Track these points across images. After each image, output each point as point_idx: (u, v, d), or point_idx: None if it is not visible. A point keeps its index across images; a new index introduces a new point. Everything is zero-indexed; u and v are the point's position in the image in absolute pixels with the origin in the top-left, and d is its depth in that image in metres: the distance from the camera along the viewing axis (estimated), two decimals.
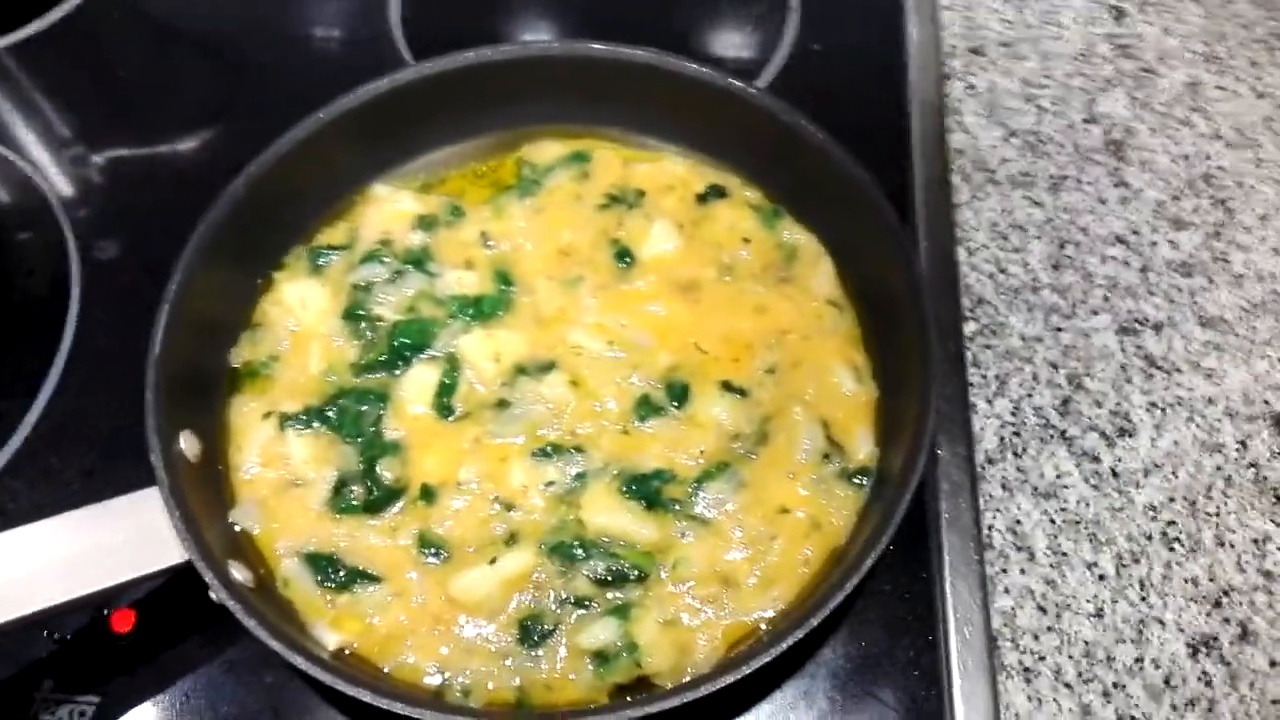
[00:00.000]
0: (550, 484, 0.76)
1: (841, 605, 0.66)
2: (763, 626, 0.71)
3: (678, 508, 0.75)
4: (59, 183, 0.99)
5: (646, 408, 0.79)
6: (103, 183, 0.99)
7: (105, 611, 0.76)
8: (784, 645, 0.65)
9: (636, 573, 0.73)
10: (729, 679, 0.64)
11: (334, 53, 1.11)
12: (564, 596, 0.72)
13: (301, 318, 0.84)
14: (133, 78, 1.10)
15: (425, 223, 0.88)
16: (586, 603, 0.72)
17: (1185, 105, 1.10)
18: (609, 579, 0.73)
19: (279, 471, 0.77)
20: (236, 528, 0.74)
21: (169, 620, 0.76)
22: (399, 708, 0.63)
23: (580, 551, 0.73)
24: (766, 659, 0.64)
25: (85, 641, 0.76)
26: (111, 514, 0.69)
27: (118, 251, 0.92)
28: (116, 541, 0.68)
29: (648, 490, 0.76)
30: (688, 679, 0.69)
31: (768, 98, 0.87)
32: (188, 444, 0.73)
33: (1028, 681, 0.75)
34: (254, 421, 0.79)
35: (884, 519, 0.69)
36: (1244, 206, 1.02)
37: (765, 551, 0.74)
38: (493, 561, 0.73)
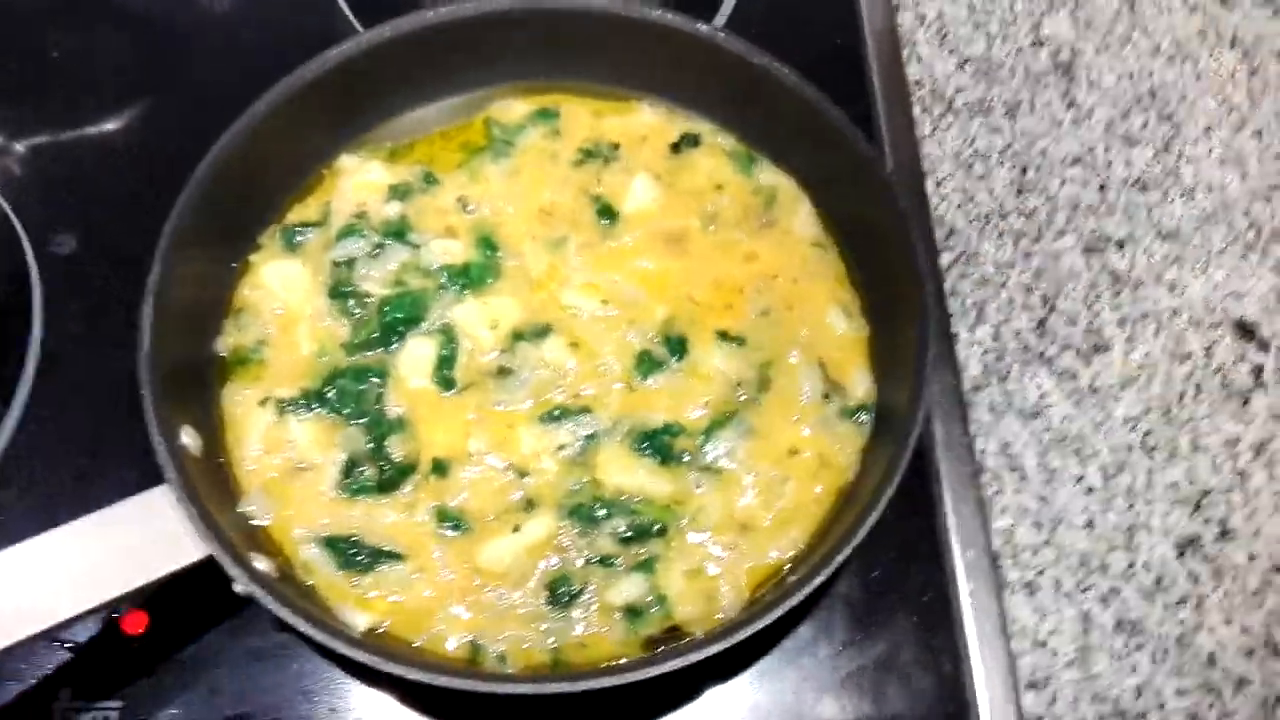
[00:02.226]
0: (562, 447, 0.76)
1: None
2: (786, 567, 0.73)
3: (689, 459, 0.76)
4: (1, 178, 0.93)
5: (647, 363, 0.80)
6: (38, 172, 0.94)
7: (115, 615, 0.74)
8: (810, 587, 0.67)
9: (657, 526, 0.74)
10: (760, 624, 0.66)
11: (272, 17, 1.06)
12: (589, 556, 0.73)
13: (285, 299, 0.82)
14: (42, 53, 1.02)
15: (399, 192, 0.86)
16: (611, 560, 0.73)
17: (1125, 22, 1.13)
18: (631, 535, 0.74)
19: (284, 458, 0.76)
20: (249, 520, 0.73)
21: (182, 617, 0.75)
22: (440, 680, 0.64)
23: (600, 511, 0.74)
24: (794, 602, 0.66)
25: (99, 647, 0.74)
26: (120, 519, 0.67)
27: (75, 244, 0.88)
28: (129, 546, 0.67)
29: (659, 445, 0.77)
30: (717, 625, 0.71)
31: (736, 40, 0.86)
32: (188, 438, 0.72)
33: (1030, 595, 0.79)
34: (251, 410, 0.77)
35: (895, 455, 0.70)
36: (1188, 119, 1.05)
37: (778, 494, 0.76)
38: (516, 529, 0.73)
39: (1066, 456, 0.84)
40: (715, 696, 0.74)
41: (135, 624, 0.74)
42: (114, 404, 0.81)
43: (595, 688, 0.64)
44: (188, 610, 0.75)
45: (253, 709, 0.72)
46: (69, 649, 0.74)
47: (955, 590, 0.78)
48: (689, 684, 0.74)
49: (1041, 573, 0.80)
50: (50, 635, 0.73)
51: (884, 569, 0.78)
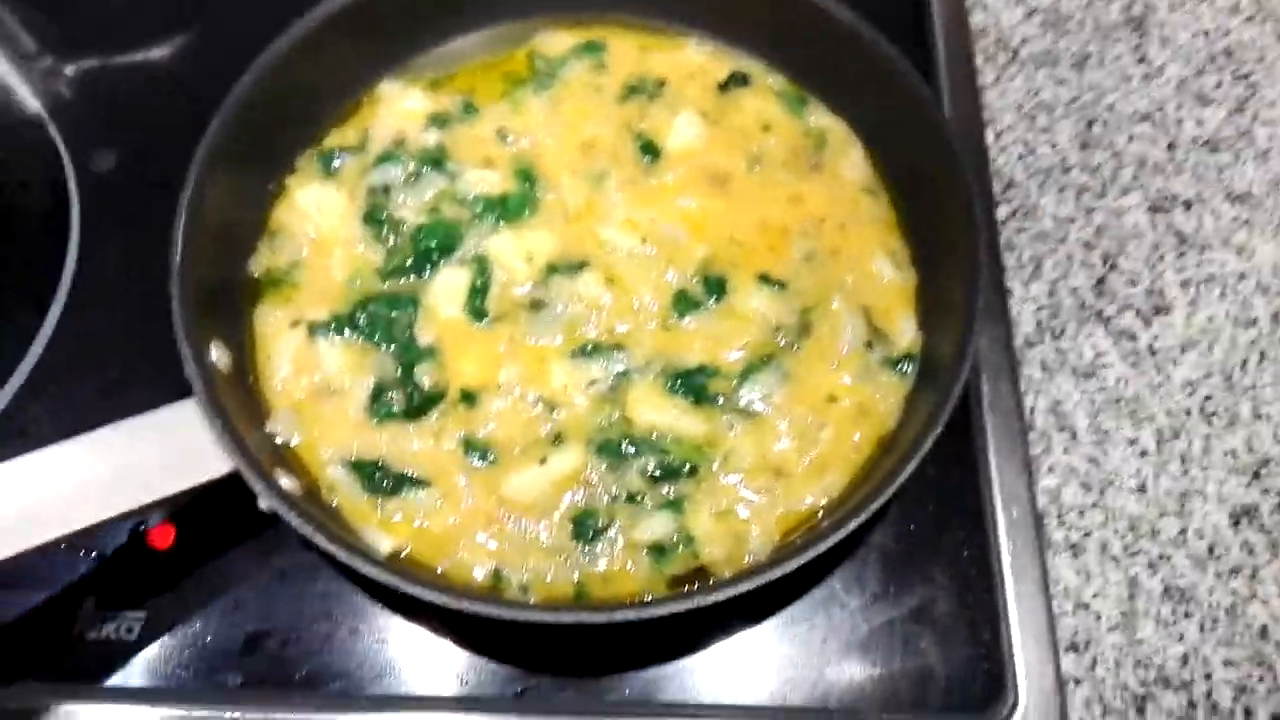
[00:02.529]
0: (593, 383, 0.75)
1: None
2: (819, 514, 0.71)
3: (723, 402, 0.74)
4: (39, 97, 0.93)
5: (685, 303, 0.78)
6: (84, 95, 0.94)
7: (143, 528, 0.74)
8: (844, 532, 0.64)
9: (687, 467, 0.72)
10: (790, 566, 0.64)
11: None
12: (616, 493, 0.71)
13: (319, 223, 0.81)
14: None
15: (438, 120, 0.85)
16: (639, 498, 0.71)
17: None
18: (660, 474, 0.72)
19: (313, 380, 0.75)
20: (276, 439, 0.72)
21: (210, 534, 0.75)
22: (462, 604, 0.63)
23: (629, 448, 0.72)
24: (825, 546, 0.64)
25: (125, 559, 0.74)
26: (147, 428, 0.67)
27: (114, 162, 0.88)
28: (154, 456, 0.66)
29: (693, 385, 0.75)
30: (745, 567, 0.69)
31: None
32: (218, 354, 0.71)
33: (1075, 557, 0.76)
34: (282, 331, 0.76)
35: (938, 404, 0.68)
36: (1266, 80, 1.00)
37: (814, 440, 0.73)
38: (543, 461, 0.71)
39: (1120, 418, 0.81)
40: (741, 641, 0.72)
41: (162, 538, 0.74)
42: (146, 320, 0.81)
43: (616, 621, 0.62)
44: (214, 527, 0.75)
45: (274, 626, 0.72)
46: (95, 559, 0.74)
47: (995, 548, 0.75)
48: (715, 627, 0.72)
49: (1088, 534, 0.76)
50: (76, 544, 0.74)
51: (922, 523, 0.76)
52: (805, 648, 0.72)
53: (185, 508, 0.75)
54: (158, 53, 0.99)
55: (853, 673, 0.71)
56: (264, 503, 0.65)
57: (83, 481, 0.65)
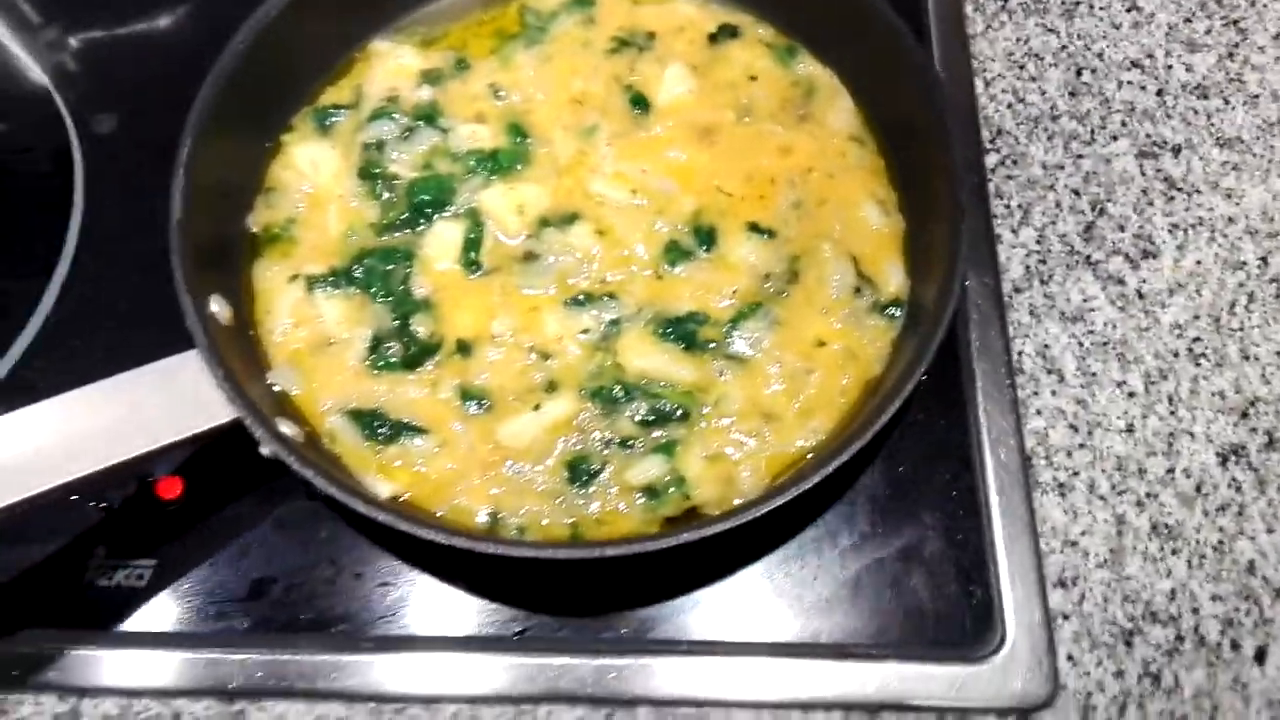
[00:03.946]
0: (585, 332, 0.76)
1: (879, 434, 0.66)
2: (809, 456, 0.72)
3: (714, 348, 0.76)
4: (41, 66, 0.94)
5: (675, 252, 0.79)
6: (87, 63, 0.96)
7: (151, 479, 0.76)
8: (828, 470, 0.66)
9: (679, 411, 0.73)
10: (776, 503, 0.65)
11: None
12: (609, 437, 0.73)
13: (315, 180, 0.82)
14: None
15: (431, 77, 0.86)
16: (631, 442, 0.73)
17: None
18: (652, 419, 0.73)
19: (311, 332, 0.76)
20: (276, 388, 0.74)
21: (216, 484, 0.77)
22: (460, 542, 0.64)
23: (621, 394, 0.74)
24: (810, 484, 0.65)
25: (134, 510, 0.76)
26: (149, 378, 0.68)
27: (116, 125, 0.89)
28: (158, 405, 0.68)
29: (683, 332, 0.76)
30: (734, 507, 0.70)
31: None
32: (218, 307, 0.72)
33: (1063, 496, 0.77)
34: (280, 285, 0.78)
35: (921, 347, 0.69)
36: (1256, 26, 1.00)
37: (803, 385, 0.75)
38: (537, 408, 0.73)
39: (1108, 361, 0.81)
40: (736, 582, 0.74)
41: (170, 489, 0.76)
42: (151, 278, 0.82)
43: (607, 556, 0.64)
44: (221, 477, 0.77)
45: (279, 572, 0.74)
46: (104, 510, 0.76)
47: (984, 488, 0.76)
48: (710, 567, 0.74)
49: (1075, 474, 0.77)
50: (85, 496, 0.76)
51: (911, 466, 0.77)
52: (798, 586, 0.73)
53: (192, 460, 0.77)
54: (161, 21, 1.00)
55: (843, 610, 0.73)
56: (266, 449, 0.67)
57: (86, 430, 0.66)
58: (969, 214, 0.74)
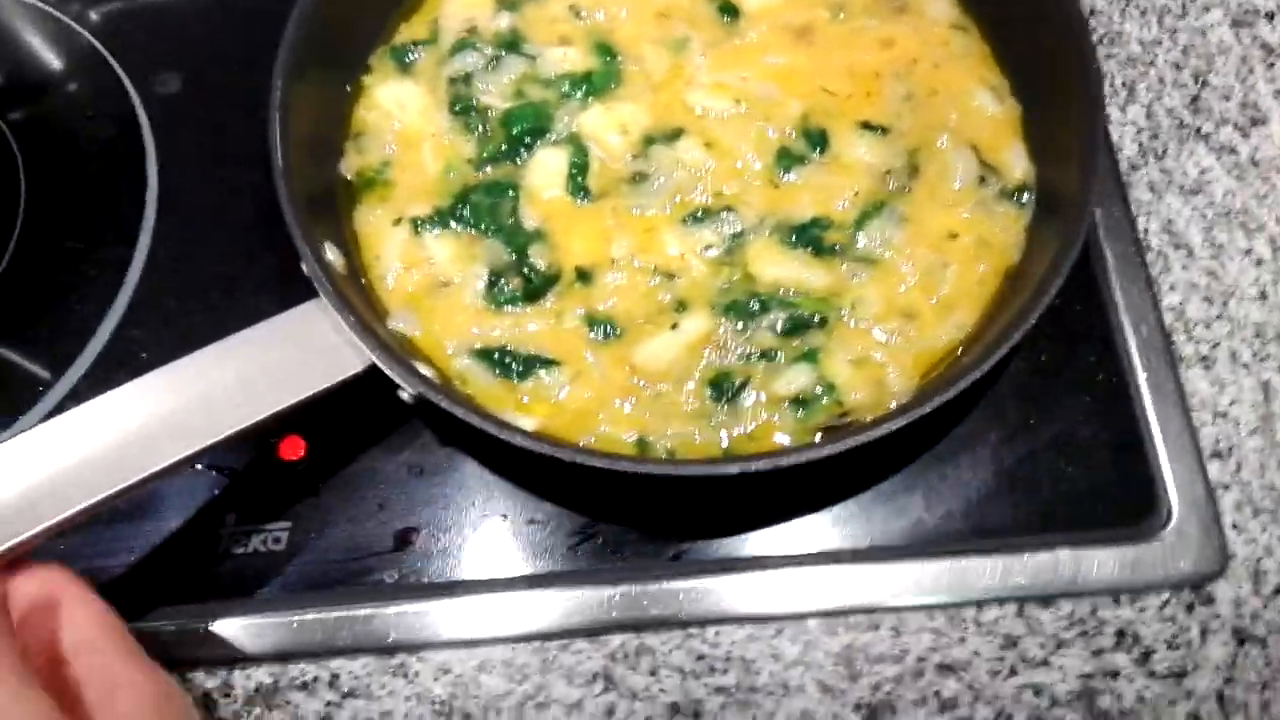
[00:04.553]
0: (708, 247, 0.73)
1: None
2: (958, 350, 0.70)
3: (842, 251, 0.73)
4: (92, 30, 0.90)
5: (788, 159, 0.76)
6: (138, 23, 0.91)
7: (272, 440, 0.73)
8: (989, 363, 0.63)
9: (817, 318, 0.71)
10: (936, 402, 0.62)
11: None
12: (749, 351, 0.70)
13: (403, 119, 0.78)
14: None
15: (507, 3, 0.82)
16: (773, 354, 0.70)
17: None
18: (790, 328, 0.71)
19: (424, 274, 0.73)
20: (400, 334, 0.71)
21: (338, 440, 0.74)
22: (617, 465, 0.62)
23: (756, 306, 0.71)
24: (970, 380, 0.63)
25: (258, 474, 0.73)
26: (274, 334, 0.65)
27: (180, 85, 0.85)
28: (288, 359, 0.64)
29: (810, 238, 0.73)
30: (891, 410, 0.68)
31: None
32: (333, 256, 0.69)
33: (1206, 369, 0.75)
34: (385, 229, 0.75)
35: (1069, 229, 0.66)
36: None
37: (939, 280, 0.72)
38: (674, 327, 0.71)
39: (1233, 230, 0.80)
40: (889, 488, 0.72)
41: (292, 449, 0.74)
42: (237, 237, 0.81)
43: (781, 466, 0.61)
44: (342, 433, 0.74)
45: (421, 521, 0.72)
46: (227, 477, 0.73)
47: (1130, 368, 0.74)
48: (862, 474, 0.72)
49: (1216, 346, 0.76)
50: (207, 465, 0.73)
51: (1053, 354, 0.75)
52: (954, 486, 0.71)
53: (311, 418, 0.74)
54: None
55: (1005, 505, 0.71)
56: (408, 392, 0.64)
57: (215, 392, 0.63)
58: (1102, 86, 0.71)
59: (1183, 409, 0.73)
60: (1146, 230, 0.80)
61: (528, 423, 0.69)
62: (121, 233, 0.79)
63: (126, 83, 0.84)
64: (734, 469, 0.62)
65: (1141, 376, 0.74)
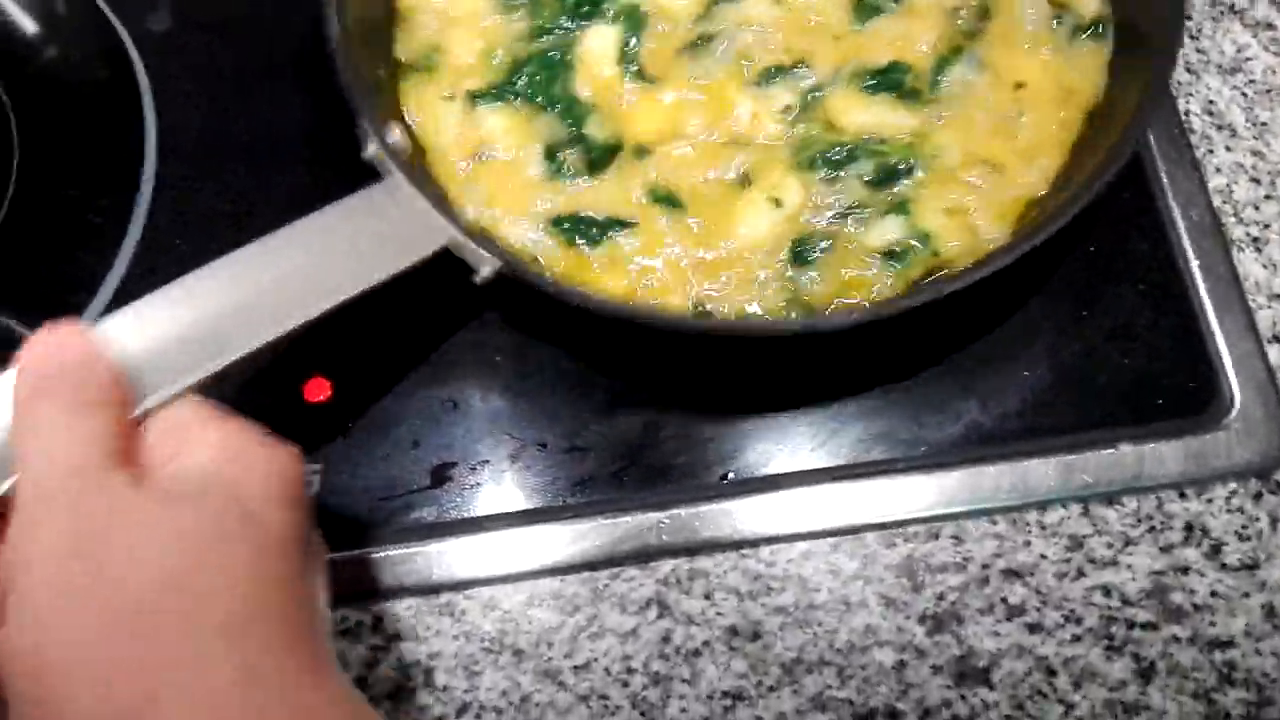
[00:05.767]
0: (786, 108, 0.70)
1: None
2: (1044, 195, 0.68)
3: (922, 96, 0.70)
4: None
5: (861, 8, 0.73)
6: None
7: (299, 383, 0.70)
8: (1083, 202, 0.61)
9: (905, 165, 0.68)
10: (1036, 241, 0.61)
11: None
12: (838, 208, 0.67)
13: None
14: None
15: None
16: (861, 209, 0.67)
17: None
18: (879, 178, 0.68)
19: (483, 151, 0.69)
20: (467, 214, 0.66)
21: (364, 379, 0.70)
22: (714, 326, 0.62)
23: (843, 155, 0.68)
24: (1064, 221, 0.61)
25: (282, 416, 0.69)
26: (341, 217, 0.59)
27: (171, 21, 0.81)
28: (362, 239, 0.58)
29: (891, 82, 0.70)
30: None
31: None
32: (397, 136, 0.65)
33: (1259, 250, 0.74)
34: (439, 106, 0.70)
35: (1160, 63, 0.65)
36: None
37: (1021, 125, 0.70)
38: (748, 186, 0.68)
39: (1275, 108, 0.79)
40: (941, 392, 0.69)
41: (318, 390, 0.70)
42: (241, 171, 0.76)
43: (893, 312, 0.60)
44: (367, 371, 0.70)
45: (458, 457, 0.67)
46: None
47: (1181, 254, 0.73)
48: (917, 355, 0.70)
49: (1267, 227, 0.75)
50: (233, 403, 0.69)
51: (1102, 244, 0.73)
52: (1008, 382, 0.69)
53: (334, 359, 0.71)
54: None
55: (1063, 402, 0.69)
56: (487, 268, 0.59)
57: (283, 277, 0.56)
58: None
59: (1239, 293, 0.72)
60: (1188, 112, 0.78)
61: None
62: (123, 176, 0.74)
63: (115, 22, 0.80)
64: (850, 320, 0.63)
65: (1194, 262, 0.73)
